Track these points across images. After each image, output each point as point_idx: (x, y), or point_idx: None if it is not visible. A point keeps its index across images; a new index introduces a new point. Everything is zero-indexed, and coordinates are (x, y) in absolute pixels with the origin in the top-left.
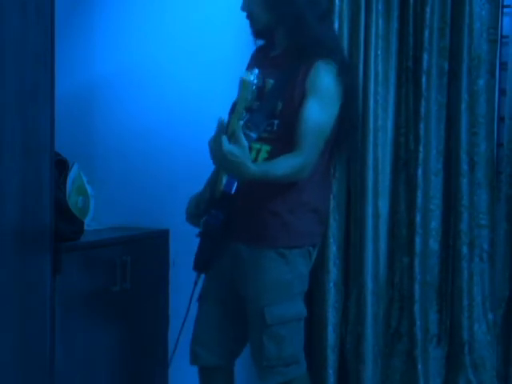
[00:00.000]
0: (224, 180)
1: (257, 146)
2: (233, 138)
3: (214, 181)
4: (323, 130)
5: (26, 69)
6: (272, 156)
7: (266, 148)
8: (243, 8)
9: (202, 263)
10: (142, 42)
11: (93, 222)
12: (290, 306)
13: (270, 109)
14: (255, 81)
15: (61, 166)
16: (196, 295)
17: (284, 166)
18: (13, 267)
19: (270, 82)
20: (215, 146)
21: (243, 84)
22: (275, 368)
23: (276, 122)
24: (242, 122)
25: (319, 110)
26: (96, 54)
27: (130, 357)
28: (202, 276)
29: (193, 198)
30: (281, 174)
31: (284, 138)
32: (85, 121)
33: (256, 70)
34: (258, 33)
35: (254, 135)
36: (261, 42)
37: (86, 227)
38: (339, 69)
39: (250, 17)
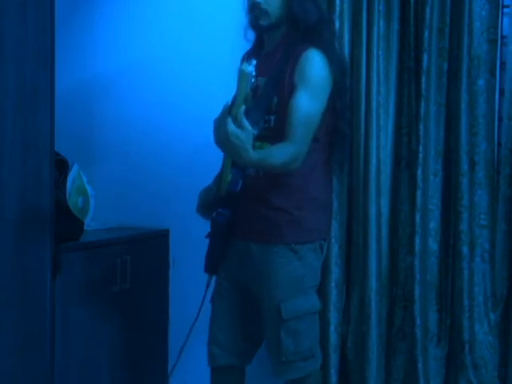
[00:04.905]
0: (229, 178)
1: (258, 144)
2: (236, 123)
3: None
4: (312, 119)
5: (26, 69)
6: None
7: (266, 145)
8: (263, 2)
9: (213, 264)
10: (142, 43)
11: (93, 222)
12: (304, 300)
13: (265, 105)
14: (253, 72)
15: (61, 166)
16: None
17: (279, 155)
18: (13, 267)
19: (264, 79)
20: (219, 127)
21: (242, 75)
22: (293, 363)
23: (272, 117)
24: (244, 107)
25: (308, 99)
26: (96, 54)
27: (130, 357)
28: (213, 277)
29: (203, 190)
30: (278, 163)
31: (282, 133)
32: (85, 121)
33: (254, 61)
34: (264, 28)
35: (255, 132)
36: (250, 39)
37: (86, 227)
38: (328, 56)
39: (263, 12)
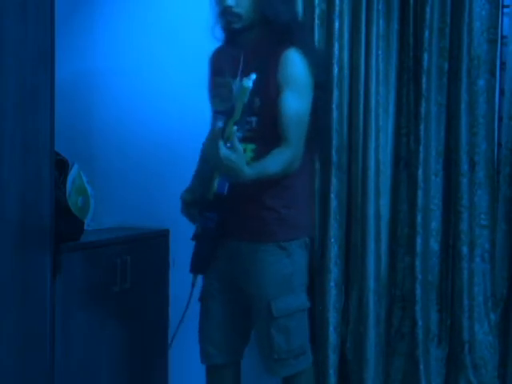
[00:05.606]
0: (216, 182)
1: (241, 146)
2: (228, 143)
3: (204, 179)
4: (303, 118)
5: (25, 69)
6: (258, 154)
7: (250, 147)
8: (234, 5)
9: (199, 265)
10: (141, 43)
11: (93, 222)
12: (294, 298)
13: (249, 107)
14: (252, 86)
15: (61, 166)
16: (194, 296)
17: (276, 163)
18: (13, 267)
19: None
20: (211, 151)
21: (242, 90)
22: (286, 360)
23: (254, 119)
24: (236, 128)
25: (296, 100)
26: (96, 54)
27: (130, 357)
28: (200, 277)
29: (185, 192)
30: (274, 172)
31: (266, 134)
32: (85, 121)
33: (254, 76)
34: (237, 31)
35: (239, 135)
36: (219, 37)
37: (86, 227)
38: (305, 54)
39: (235, 16)
